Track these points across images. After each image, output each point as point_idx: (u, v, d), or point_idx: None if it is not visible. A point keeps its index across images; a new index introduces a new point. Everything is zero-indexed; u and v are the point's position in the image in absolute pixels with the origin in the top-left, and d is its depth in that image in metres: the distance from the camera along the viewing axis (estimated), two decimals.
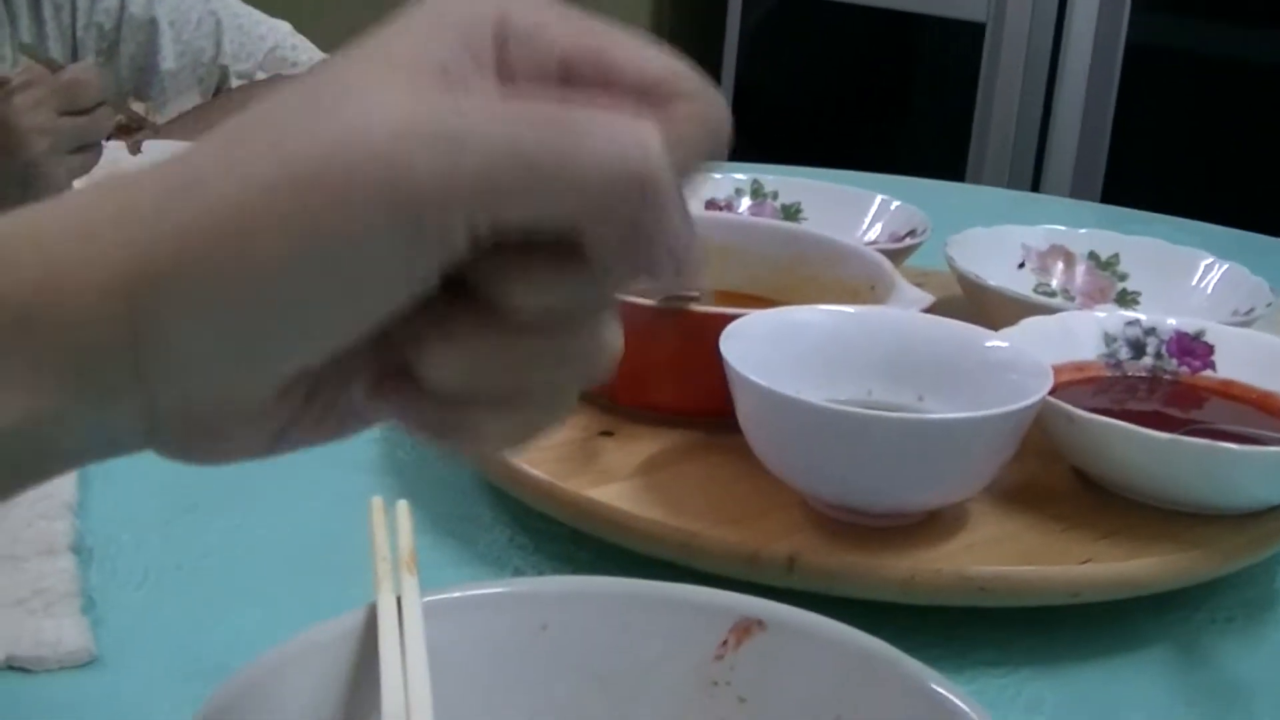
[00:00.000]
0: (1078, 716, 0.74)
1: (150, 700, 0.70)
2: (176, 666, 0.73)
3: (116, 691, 0.71)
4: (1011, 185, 2.90)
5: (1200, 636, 0.82)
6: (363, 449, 0.96)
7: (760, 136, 3.18)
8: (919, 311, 0.89)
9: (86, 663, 0.72)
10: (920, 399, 0.84)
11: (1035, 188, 2.98)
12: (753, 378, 0.77)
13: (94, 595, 0.78)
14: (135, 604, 0.78)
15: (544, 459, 0.85)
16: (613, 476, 0.84)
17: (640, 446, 0.88)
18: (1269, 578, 0.89)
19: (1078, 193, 2.86)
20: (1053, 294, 1.17)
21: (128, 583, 0.80)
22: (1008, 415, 0.76)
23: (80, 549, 0.81)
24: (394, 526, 0.64)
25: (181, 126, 1.56)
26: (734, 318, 0.83)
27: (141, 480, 0.90)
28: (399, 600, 0.59)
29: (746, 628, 0.61)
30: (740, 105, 3.18)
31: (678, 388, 0.90)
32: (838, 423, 0.74)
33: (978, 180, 2.95)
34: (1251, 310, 1.07)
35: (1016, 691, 0.75)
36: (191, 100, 1.77)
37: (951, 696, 0.57)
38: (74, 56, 1.69)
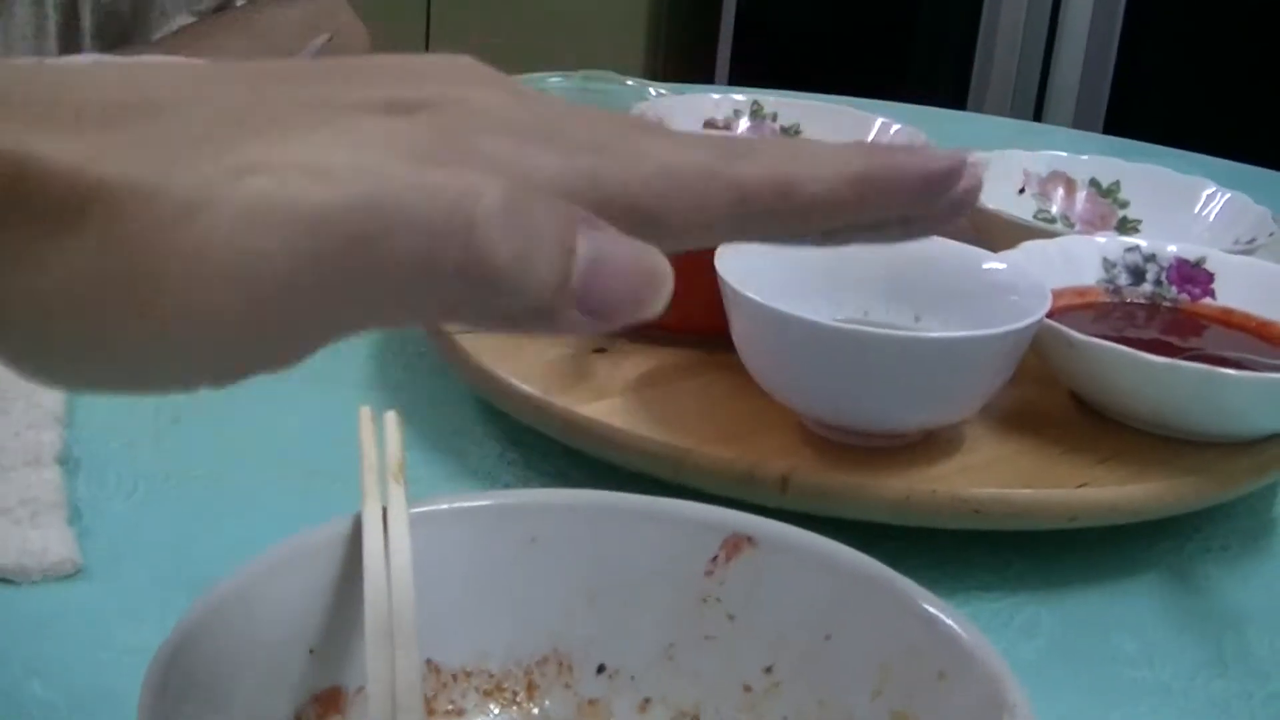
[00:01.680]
0: (1073, 641, 0.74)
1: (136, 611, 0.69)
2: (163, 577, 0.72)
3: (102, 602, 0.70)
4: (1014, 115, 2.89)
5: (1195, 564, 0.81)
6: (355, 366, 0.96)
7: (761, 62, 3.17)
8: None
9: (71, 573, 0.72)
10: (918, 319, 0.83)
11: (1038, 118, 2.97)
12: (749, 294, 0.76)
13: (80, 506, 0.77)
14: (122, 515, 0.77)
15: (535, 374, 0.84)
16: (605, 393, 0.83)
17: (633, 363, 0.87)
18: (1265, 507, 0.88)
19: (1080, 124, 2.85)
20: (1053, 220, 1.16)
21: (115, 494, 0.79)
22: (1005, 335, 0.75)
23: (67, 460, 0.80)
24: (383, 437, 0.63)
25: (175, 43, 1.55)
26: None
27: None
28: (385, 510, 0.58)
29: (737, 544, 0.60)
30: (741, 31, 3.17)
31: (673, 304, 0.88)
32: (834, 340, 0.73)
33: (979, 109, 2.94)
34: (1254, 240, 1.05)
35: (1011, 615, 0.75)
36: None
37: (943, 615, 0.56)
38: None
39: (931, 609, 0.56)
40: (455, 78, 0.44)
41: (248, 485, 0.81)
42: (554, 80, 1.65)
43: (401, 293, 0.39)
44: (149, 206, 0.38)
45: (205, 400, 0.86)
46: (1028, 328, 0.76)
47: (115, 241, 0.38)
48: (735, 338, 0.79)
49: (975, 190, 0.46)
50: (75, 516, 0.76)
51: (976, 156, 0.44)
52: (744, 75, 3.15)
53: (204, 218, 0.38)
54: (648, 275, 0.41)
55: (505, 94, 0.44)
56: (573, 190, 0.42)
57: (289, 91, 0.42)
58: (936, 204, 0.45)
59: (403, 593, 0.55)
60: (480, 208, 0.38)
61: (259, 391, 0.88)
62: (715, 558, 0.60)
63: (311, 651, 0.56)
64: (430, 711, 0.59)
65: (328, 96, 0.42)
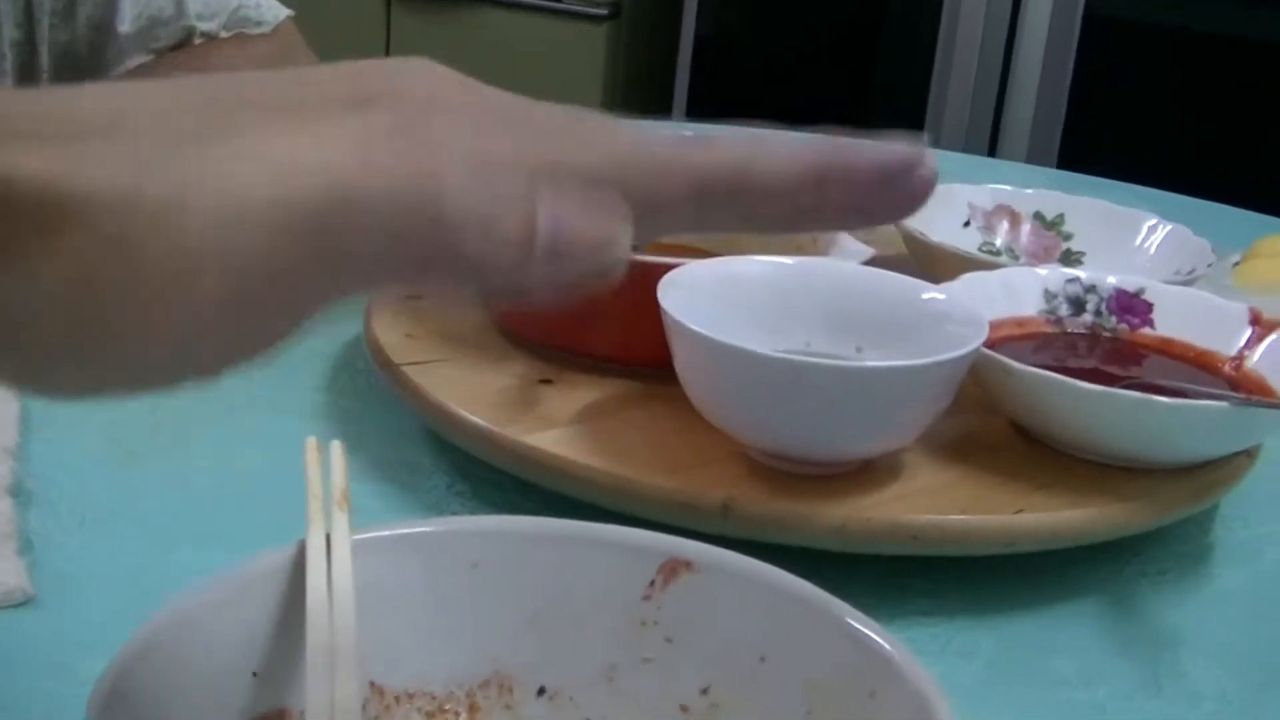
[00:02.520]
0: (1011, 665, 0.75)
1: (87, 640, 0.70)
2: (113, 607, 0.72)
3: (53, 632, 0.71)
4: (968, 151, 2.90)
5: (1134, 588, 0.83)
6: (305, 397, 0.97)
7: (720, 96, 3.18)
8: (858, 264, 0.90)
9: (23, 603, 0.72)
10: (859, 350, 0.84)
11: (992, 153, 2.98)
12: (690, 325, 0.77)
13: (32, 538, 0.78)
14: (73, 546, 0.78)
15: (483, 405, 0.85)
16: (552, 423, 0.84)
17: (580, 394, 0.88)
18: (1203, 532, 0.90)
19: (1034, 159, 2.87)
20: (997, 253, 1.17)
21: (66, 525, 0.80)
22: (941, 364, 0.76)
23: (19, 492, 0.81)
24: (329, 466, 0.64)
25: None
26: (674, 267, 0.84)
27: (82, 425, 0.90)
28: (329, 537, 0.59)
29: (674, 568, 0.61)
30: (700, 64, 3.18)
31: (618, 336, 0.90)
32: (772, 370, 0.75)
33: (935, 145, 2.94)
34: (1193, 270, 1.07)
35: (949, 639, 0.76)
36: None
37: (872, 634, 0.57)
38: (28, 15, 1.67)
39: (861, 628, 0.57)
40: (410, 74, 0.46)
41: (198, 516, 0.82)
42: None
43: (373, 268, 0.41)
44: (129, 210, 0.40)
45: (156, 434, 0.87)
46: (963, 357, 0.77)
47: (100, 246, 0.40)
48: (678, 369, 0.81)
49: (931, 182, 0.47)
50: (26, 547, 0.76)
51: (931, 153, 0.46)
52: (702, 109, 3.16)
53: (182, 218, 0.39)
54: (607, 229, 0.43)
55: (459, 87, 0.46)
56: (529, 172, 0.43)
57: (254, 97, 0.44)
58: (893, 194, 0.47)
59: (344, 616, 0.56)
60: (445, 183, 0.40)
61: (211, 423, 0.90)
62: (653, 582, 0.61)
63: (255, 675, 0.57)
64: None
65: (290, 98, 0.44)
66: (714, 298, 0.82)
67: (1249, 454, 0.88)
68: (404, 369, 0.89)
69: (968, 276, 0.93)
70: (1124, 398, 0.80)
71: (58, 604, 0.73)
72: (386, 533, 0.62)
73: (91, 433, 0.90)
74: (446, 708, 0.61)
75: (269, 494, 0.81)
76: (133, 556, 0.78)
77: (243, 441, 0.90)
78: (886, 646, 0.57)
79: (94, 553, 0.78)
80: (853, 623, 0.58)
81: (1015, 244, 1.19)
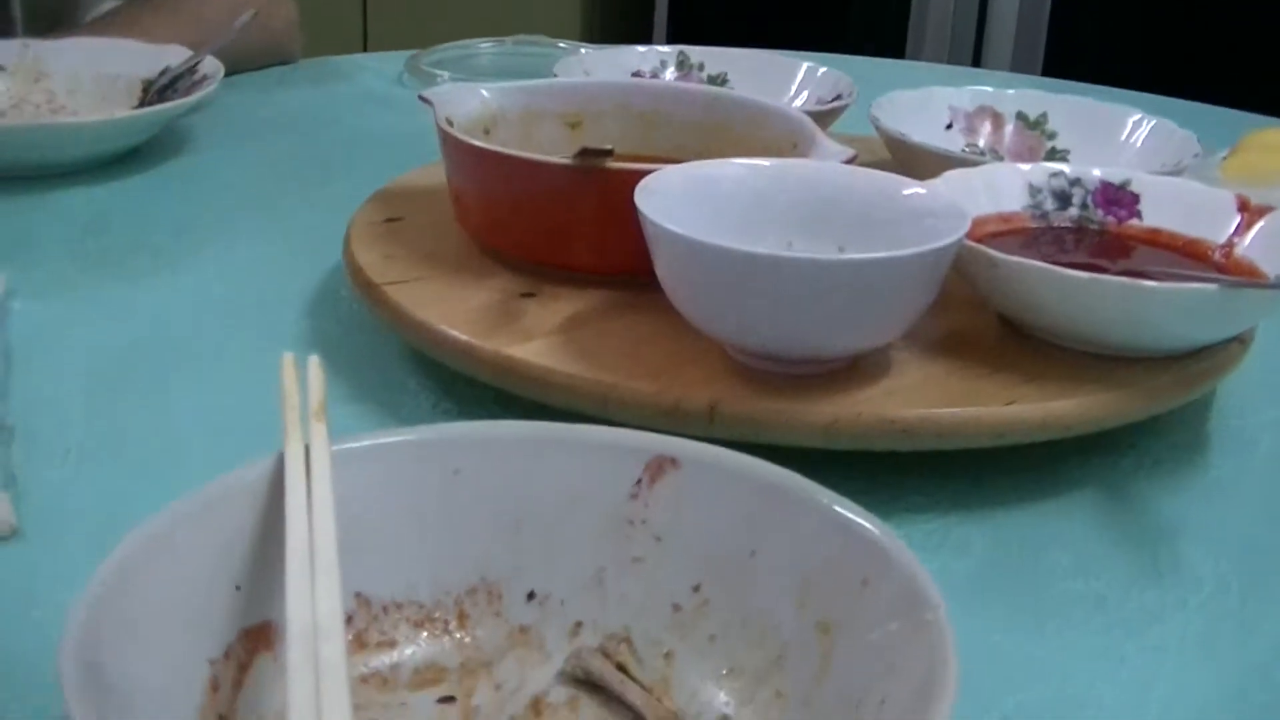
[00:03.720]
0: (1007, 559, 0.74)
1: (72, 572, 0.69)
2: (99, 539, 0.71)
3: (38, 564, 0.70)
4: (952, 62, 2.89)
5: (1128, 480, 0.82)
6: (287, 324, 0.96)
7: (699, 21, 3.17)
8: (837, 164, 0.89)
9: (7, 537, 0.72)
10: (841, 250, 0.83)
11: (976, 64, 2.97)
12: (669, 226, 0.76)
13: (15, 472, 0.77)
14: (57, 480, 0.77)
15: (465, 320, 0.84)
16: (533, 335, 0.83)
17: (561, 307, 0.87)
18: (1198, 422, 0.89)
19: (1018, 69, 2.85)
20: (981, 154, 1.16)
21: (50, 460, 0.79)
22: (925, 255, 0.75)
23: (1, 428, 0.80)
24: (306, 381, 0.63)
25: (106, 25, 1.54)
26: (649, 174, 0.83)
27: (64, 361, 0.89)
28: (308, 450, 0.59)
29: (660, 466, 0.60)
30: None
31: (597, 247, 0.89)
32: (753, 267, 0.74)
33: (918, 58, 2.94)
34: (1179, 163, 1.06)
35: (944, 536, 0.75)
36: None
37: (861, 521, 0.57)
38: None
39: (850, 516, 0.57)
40: None
41: (182, 448, 0.81)
42: (485, 46, 1.65)
43: None
44: None
45: (139, 368, 0.87)
46: (947, 247, 0.76)
47: None
48: (659, 274, 0.80)
49: None
50: (9, 482, 0.76)
51: None
52: (681, 35, 3.14)
53: None
54: None
55: None
56: None
57: None
58: None
59: (324, 527, 0.55)
60: None
61: (193, 355, 0.89)
62: (640, 481, 0.61)
63: (238, 588, 0.56)
64: (361, 644, 0.59)
65: None
66: (691, 202, 0.81)
67: (1242, 341, 0.87)
68: (384, 288, 0.88)
69: (950, 174, 0.92)
70: (1112, 284, 0.79)
71: (42, 537, 0.72)
72: (366, 443, 0.61)
73: (73, 368, 0.89)
74: (435, 616, 0.61)
75: (253, 424, 0.80)
76: (117, 488, 0.77)
77: (225, 373, 0.89)
78: (876, 534, 0.56)
79: (78, 486, 0.77)
80: (842, 512, 0.57)
81: (998, 145, 1.18)
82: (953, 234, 0.77)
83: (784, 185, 0.86)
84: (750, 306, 0.75)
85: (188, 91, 1.28)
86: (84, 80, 1.34)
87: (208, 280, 1.04)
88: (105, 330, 0.95)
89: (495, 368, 0.81)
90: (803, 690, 0.56)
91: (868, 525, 0.56)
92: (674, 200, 0.80)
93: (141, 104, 1.30)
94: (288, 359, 0.64)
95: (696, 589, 0.60)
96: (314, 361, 0.64)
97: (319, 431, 0.60)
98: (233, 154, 1.33)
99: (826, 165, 0.88)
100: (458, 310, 0.86)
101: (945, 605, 0.52)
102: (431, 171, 1.04)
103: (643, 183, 0.81)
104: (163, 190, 1.22)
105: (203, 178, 1.26)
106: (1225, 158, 1.18)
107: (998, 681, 0.65)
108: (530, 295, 0.89)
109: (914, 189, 0.84)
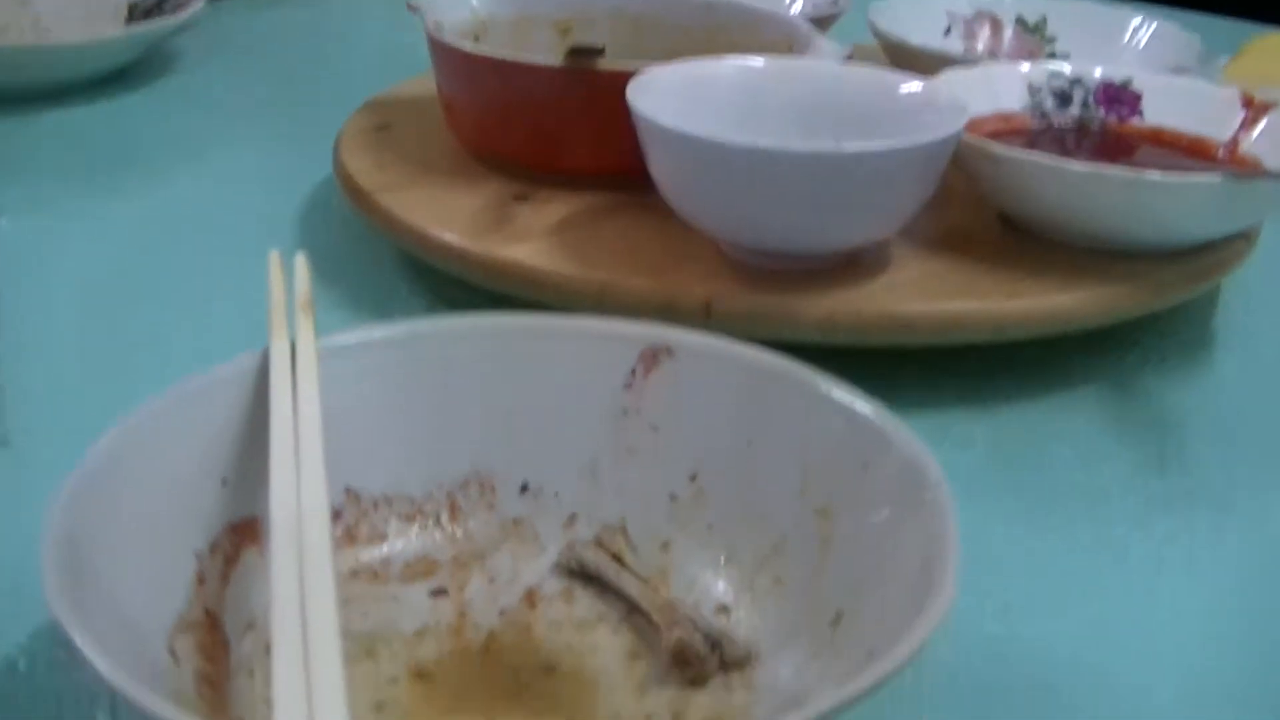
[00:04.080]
0: (1009, 452, 0.73)
1: (54, 475, 0.68)
2: (81, 443, 0.71)
3: (24, 474, 0.69)
4: None
5: (1132, 376, 0.81)
6: (279, 232, 0.95)
7: None
8: (834, 62, 0.87)
9: None
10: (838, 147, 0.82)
11: None
12: (663, 121, 0.74)
13: (2, 383, 0.76)
14: (43, 390, 0.76)
15: (458, 223, 0.83)
16: (527, 237, 0.82)
17: (554, 209, 0.86)
18: (1203, 320, 0.88)
19: None
20: (979, 59, 1.14)
21: (35, 371, 0.78)
22: (923, 147, 0.74)
23: None
24: (293, 278, 0.62)
25: None
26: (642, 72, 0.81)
27: (50, 275, 0.88)
28: (294, 346, 0.58)
29: (655, 355, 0.59)
30: None
31: (590, 149, 0.88)
32: (749, 160, 0.72)
33: None
34: (1181, 64, 1.04)
35: (944, 431, 0.74)
36: None
37: (866, 409, 0.56)
38: None
39: (848, 401, 0.56)
40: None
41: (170, 359, 0.80)
42: None
43: None
44: None
45: (126, 279, 0.85)
46: (946, 139, 0.75)
47: None
48: (653, 172, 0.78)
49: None
50: None
51: None
52: None
53: None
54: None
55: None
56: None
57: None
58: None
59: (309, 416, 0.54)
60: None
61: (180, 269, 0.88)
62: (634, 370, 0.60)
63: (225, 482, 0.55)
64: (351, 539, 0.58)
65: None
66: (685, 100, 0.80)
67: (1247, 238, 0.85)
68: (375, 195, 0.87)
69: (948, 74, 0.90)
70: (1115, 177, 0.77)
71: (30, 443, 0.71)
72: (354, 337, 0.60)
73: (60, 280, 0.88)
74: (426, 510, 0.60)
75: (243, 332, 0.79)
76: (102, 398, 0.75)
77: (214, 284, 0.88)
78: (875, 417, 0.55)
79: (63, 395, 0.76)
80: (841, 397, 0.56)
81: (997, 50, 1.17)
82: (952, 126, 0.76)
83: (780, 83, 0.84)
84: (746, 201, 0.74)
85: (174, 12, 1.26)
86: (70, 2, 1.32)
87: (196, 195, 1.03)
88: (92, 245, 0.93)
89: (489, 270, 0.80)
90: (802, 576, 0.55)
91: (866, 409, 0.55)
92: (667, 98, 0.78)
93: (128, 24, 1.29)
94: (274, 256, 0.63)
95: (693, 478, 0.59)
96: (300, 259, 0.63)
97: (305, 325, 0.58)
98: (222, 72, 1.31)
99: (823, 63, 0.87)
100: (450, 214, 0.84)
101: (946, 482, 0.51)
102: (421, 82, 1.02)
103: (635, 80, 0.79)
104: (151, 109, 1.20)
105: (191, 96, 1.24)
106: (1228, 62, 1.16)
107: (1000, 573, 0.64)
108: (523, 199, 0.87)
109: (911, 85, 0.83)
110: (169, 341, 0.81)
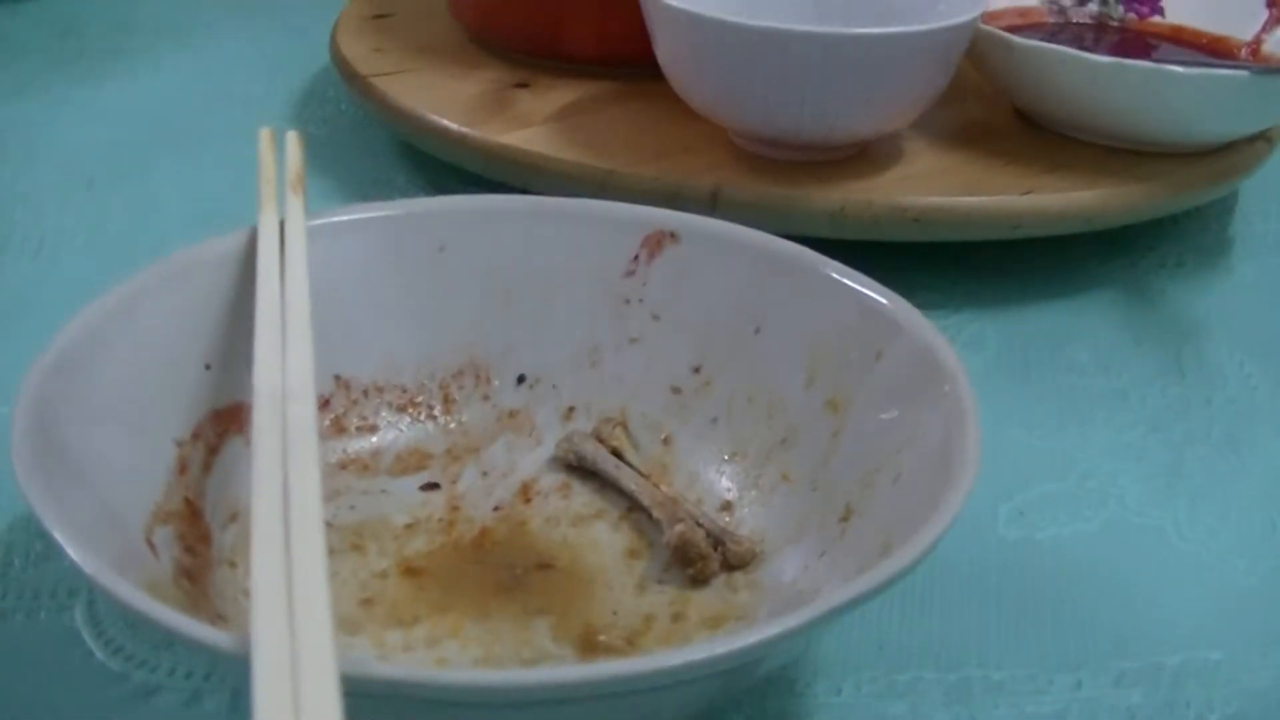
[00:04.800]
0: (1024, 354, 0.71)
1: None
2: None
3: (6, 355, 0.66)
4: None
5: (1149, 280, 0.78)
6: (272, 121, 0.91)
7: None
8: None
9: None
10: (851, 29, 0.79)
11: None
12: (669, 0, 0.72)
13: None
14: (30, 271, 0.74)
15: (457, 109, 0.81)
16: (527, 123, 0.79)
17: (556, 96, 0.83)
18: (1221, 225, 0.86)
19: None
20: None
21: (21, 254, 0.76)
22: (937, 32, 0.71)
23: None
24: (284, 155, 0.59)
25: None
26: None
27: (38, 159, 0.86)
28: (283, 225, 0.55)
29: (659, 240, 0.57)
30: None
31: (594, 34, 0.85)
32: (760, 41, 0.69)
33: None
34: None
35: (957, 331, 0.72)
36: None
37: (879, 296, 0.53)
38: None
39: (860, 287, 0.53)
40: None
41: (161, 240, 0.78)
42: None
43: None
44: None
45: (114, 162, 0.83)
46: (961, 26, 0.72)
47: None
48: (659, 53, 0.76)
49: None
50: None
51: None
52: None
53: None
54: None
55: None
56: None
57: None
58: None
59: (297, 294, 0.51)
60: None
61: (172, 151, 0.85)
62: (636, 256, 0.57)
63: (208, 367, 0.53)
64: (339, 429, 0.56)
65: None
66: None
67: (1268, 139, 0.83)
68: (372, 80, 0.84)
69: None
70: (1136, 68, 0.75)
71: (13, 327, 0.69)
72: (346, 217, 0.57)
73: (47, 164, 0.85)
74: (418, 400, 0.57)
75: (234, 216, 0.77)
76: (92, 279, 0.73)
77: (207, 167, 0.86)
78: (888, 304, 0.53)
79: (51, 278, 0.74)
80: (851, 283, 0.54)
81: None
82: (967, 14, 0.73)
83: None
84: (757, 86, 0.71)
85: None
86: None
87: (188, 80, 1.00)
88: (81, 129, 0.91)
89: (488, 155, 0.77)
90: (810, 471, 0.53)
91: (879, 296, 0.53)
92: None
93: None
94: (265, 133, 0.60)
95: (697, 370, 0.57)
96: (292, 136, 0.60)
97: (295, 204, 0.56)
98: None
99: None
100: (449, 100, 0.82)
101: (964, 374, 0.48)
102: None
103: None
104: None
105: None
106: None
107: (1015, 474, 0.62)
108: (524, 86, 0.85)
109: None
110: (159, 227, 0.79)
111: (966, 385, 0.48)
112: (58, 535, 0.40)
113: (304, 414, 0.44)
